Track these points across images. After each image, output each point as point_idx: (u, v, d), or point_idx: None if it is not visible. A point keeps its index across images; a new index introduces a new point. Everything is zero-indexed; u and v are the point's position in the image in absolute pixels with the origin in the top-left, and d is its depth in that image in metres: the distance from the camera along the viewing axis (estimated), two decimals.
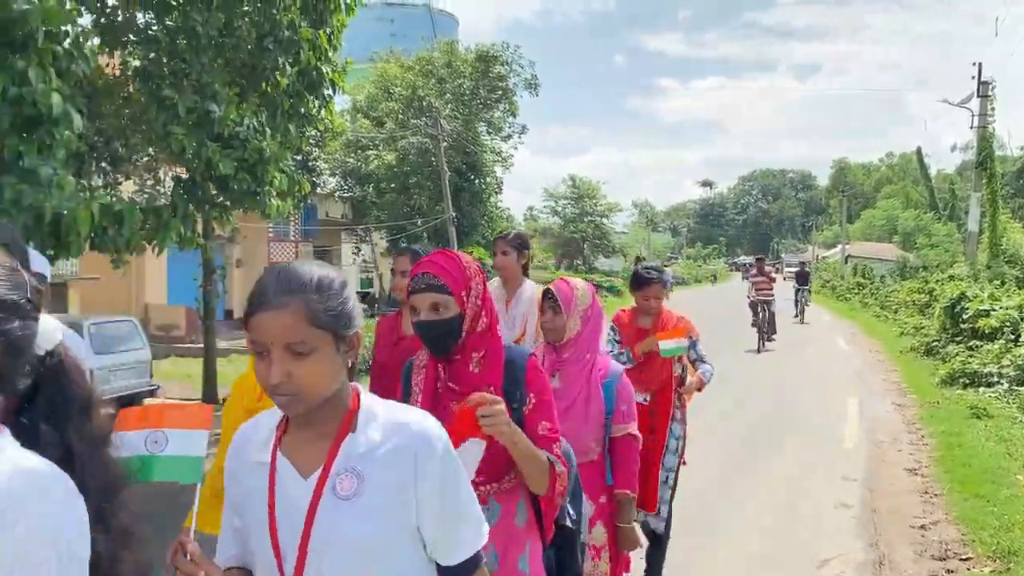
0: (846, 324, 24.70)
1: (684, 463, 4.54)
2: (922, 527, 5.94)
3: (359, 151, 27.46)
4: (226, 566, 1.63)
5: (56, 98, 6.10)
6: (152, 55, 9.04)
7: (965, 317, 14.76)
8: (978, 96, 23.89)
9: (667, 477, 4.35)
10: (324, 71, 10.19)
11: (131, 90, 9.59)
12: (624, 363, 4.03)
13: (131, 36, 9.30)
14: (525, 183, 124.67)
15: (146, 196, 10.89)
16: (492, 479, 2.15)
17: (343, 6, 10.19)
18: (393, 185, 27.14)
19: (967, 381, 11.89)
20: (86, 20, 8.67)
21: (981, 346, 13.19)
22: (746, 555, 5.40)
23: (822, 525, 6.02)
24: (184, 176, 9.51)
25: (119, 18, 9.22)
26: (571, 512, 2.38)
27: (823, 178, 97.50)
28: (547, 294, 3.21)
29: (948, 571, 5.15)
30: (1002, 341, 12.83)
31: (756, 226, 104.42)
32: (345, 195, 29.78)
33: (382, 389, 3.24)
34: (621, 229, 58.80)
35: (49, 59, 6.22)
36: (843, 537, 5.75)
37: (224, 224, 10.53)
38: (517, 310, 4.26)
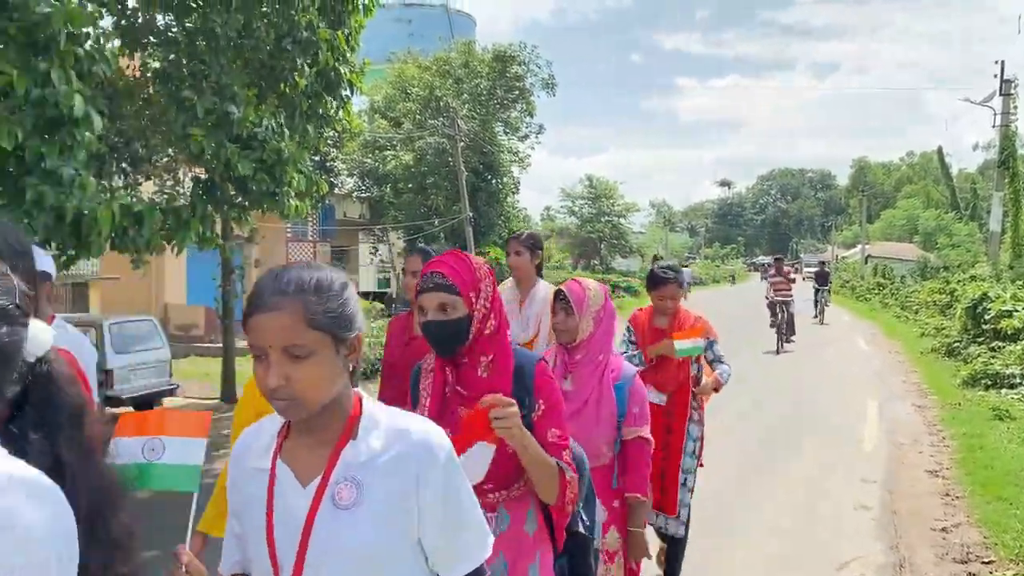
0: (866, 325, 24.51)
1: (701, 465, 4.50)
2: (943, 530, 5.88)
3: (376, 151, 27.55)
4: (230, 573, 1.61)
5: (78, 100, 6.15)
6: (172, 57, 9.10)
7: (987, 318, 14.62)
8: (1000, 95, 23.67)
9: (685, 479, 4.32)
10: (342, 72, 10.22)
11: (151, 91, 9.66)
12: (637, 365, 4.01)
13: (151, 38, 9.38)
14: (542, 183, 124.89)
15: (166, 197, 10.96)
16: (501, 487, 2.11)
17: (361, 7, 10.22)
18: (410, 185, 27.21)
19: (989, 382, 11.77)
20: (107, 22, 8.73)
21: (1003, 347, 13.05)
22: (764, 556, 5.37)
23: (841, 527, 5.97)
24: (203, 177, 9.57)
25: (139, 20, 9.29)
26: (584, 518, 2.33)
27: (843, 177, 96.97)
28: (559, 295, 3.17)
29: (970, 574, 5.10)
30: None
31: (775, 226, 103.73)
32: (363, 195, 29.90)
33: (393, 389, 3.25)
34: (638, 229, 58.60)
35: (71, 61, 6.27)
36: (863, 539, 5.71)
37: (243, 224, 10.59)
38: (531, 310, 4.25)
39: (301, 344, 1.38)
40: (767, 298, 18.36)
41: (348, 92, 10.70)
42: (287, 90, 9.87)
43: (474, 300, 2.06)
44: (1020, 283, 17.30)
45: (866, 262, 44.84)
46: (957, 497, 6.68)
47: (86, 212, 6.53)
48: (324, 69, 9.95)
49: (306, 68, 9.73)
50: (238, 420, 2.62)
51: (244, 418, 2.36)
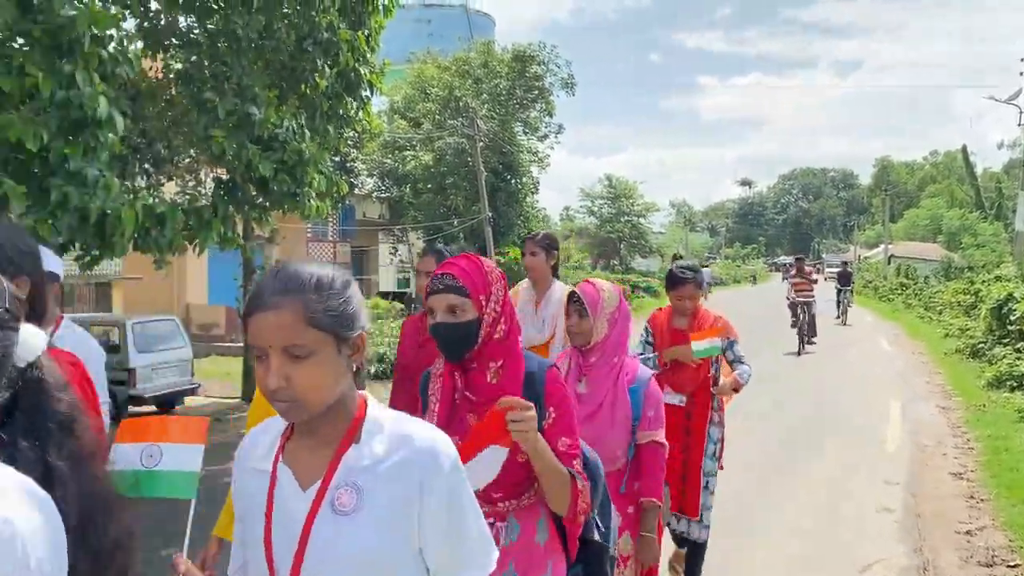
0: (889, 325, 24.26)
1: (721, 467, 4.41)
2: (968, 533, 5.81)
3: (396, 152, 27.64)
4: None
5: (102, 101, 6.23)
6: (193, 58, 9.19)
7: (1013, 318, 14.42)
8: None
9: (707, 482, 4.25)
10: (362, 72, 10.27)
11: (173, 93, 9.76)
12: (651, 368, 3.96)
13: (173, 40, 9.47)
14: (561, 183, 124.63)
15: (187, 197, 11.06)
16: (511, 495, 2.08)
17: (381, 8, 10.27)
18: (430, 185, 27.28)
19: (1015, 384, 11.60)
20: (130, 24, 8.84)
21: None
22: (785, 557, 5.33)
23: (864, 528, 5.92)
24: (225, 178, 9.65)
25: (162, 22, 9.38)
26: (600, 525, 2.28)
27: (865, 177, 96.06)
28: (572, 297, 3.10)
29: None
30: None
31: (796, 226, 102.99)
32: (382, 196, 30.01)
33: (406, 394, 3.22)
34: (658, 229, 58.33)
35: (95, 63, 6.34)
36: (885, 541, 5.65)
37: (264, 225, 10.67)
38: (547, 311, 4.20)
39: (301, 344, 1.34)
40: (788, 299, 18.21)
41: (368, 93, 10.75)
42: (308, 91, 9.94)
43: (484, 303, 2.03)
44: None
45: (889, 262, 44.37)
46: (982, 500, 6.59)
47: (109, 212, 6.60)
48: (344, 70, 10.00)
49: (326, 69, 9.79)
50: (252, 421, 2.62)
51: (257, 417, 2.34)
